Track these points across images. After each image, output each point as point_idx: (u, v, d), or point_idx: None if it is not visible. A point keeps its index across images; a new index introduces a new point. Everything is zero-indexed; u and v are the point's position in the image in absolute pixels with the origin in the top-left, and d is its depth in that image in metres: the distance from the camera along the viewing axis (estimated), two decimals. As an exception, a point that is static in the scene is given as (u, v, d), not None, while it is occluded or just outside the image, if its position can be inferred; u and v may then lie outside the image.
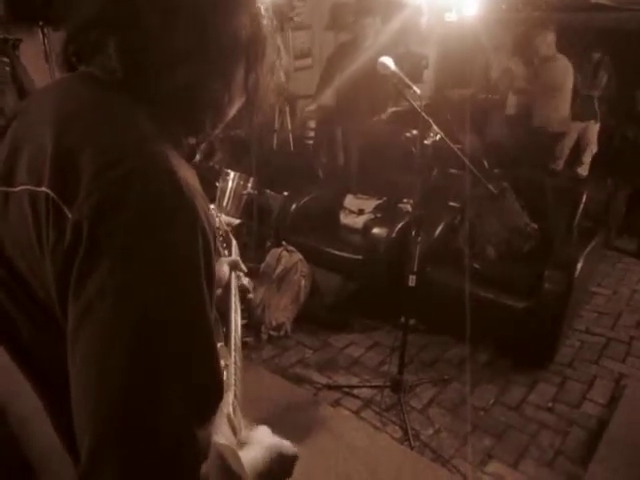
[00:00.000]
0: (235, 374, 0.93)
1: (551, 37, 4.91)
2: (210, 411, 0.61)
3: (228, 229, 1.29)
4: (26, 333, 0.64)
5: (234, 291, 1.12)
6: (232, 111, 0.78)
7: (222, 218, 1.30)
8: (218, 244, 1.02)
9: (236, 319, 1.07)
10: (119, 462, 0.53)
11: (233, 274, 1.17)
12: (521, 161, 4.47)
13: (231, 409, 0.86)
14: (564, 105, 5.08)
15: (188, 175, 0.63)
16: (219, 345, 0.85)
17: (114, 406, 0.54)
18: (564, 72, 4.98)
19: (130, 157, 0.59)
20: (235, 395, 0.89)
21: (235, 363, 0.95)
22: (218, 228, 1.24)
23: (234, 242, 1.28)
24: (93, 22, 0.69)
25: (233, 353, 0.96)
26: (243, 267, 1.18)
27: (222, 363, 0.86)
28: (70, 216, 0.57)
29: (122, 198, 0.56)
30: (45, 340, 0.63)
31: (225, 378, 0.86)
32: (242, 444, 0.81)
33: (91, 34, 0.69)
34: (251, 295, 1.17)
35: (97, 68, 0.69)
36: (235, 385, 0.91)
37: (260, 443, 0.81)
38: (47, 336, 0.63)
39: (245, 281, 1.17)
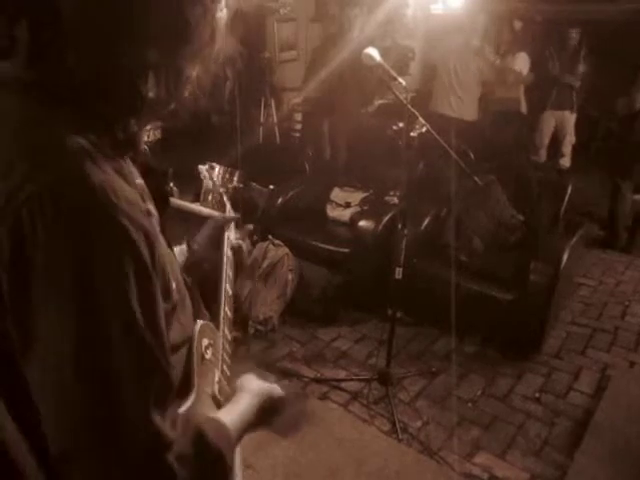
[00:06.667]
0: (223, 348, 0.95)
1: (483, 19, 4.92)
2: (163, 403, 0.62)
3: (222, 191, 1.24)
4: None
5: (225, 259, 1.09)
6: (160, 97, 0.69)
7: (218, 185, 1.24)
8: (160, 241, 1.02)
9: (227, 289, 1.05)
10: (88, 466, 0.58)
11: (226, 241, 1.13)
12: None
13: (216, 388, 0.87)
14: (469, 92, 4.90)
15: (111, 178, 0.59)
16: (200, 324, 0.85)
17: (76, 418, 0.57)
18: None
19: (37, 173, 0.56)
20: (222, 372, 0.92)
21: (224, 336, 0.96)
22: (211, 191, 1.21)
23: (228, 207, 1.24)
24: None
25: (222, 327, 0.97)
26: (233, 233, 1.12)
27: (205, 342, 0.86)
28: None
29: (35, 221, 0.54)
30: None
31: (210, 356, 0.87)
32: (231, 395, 0.88)
33: None
34: (246, 252, 1.11)
35: None
36: (223, 361, 0.93)
37: (249, 391, 0.87)
38: None
39: (242, 243, 1.12)
